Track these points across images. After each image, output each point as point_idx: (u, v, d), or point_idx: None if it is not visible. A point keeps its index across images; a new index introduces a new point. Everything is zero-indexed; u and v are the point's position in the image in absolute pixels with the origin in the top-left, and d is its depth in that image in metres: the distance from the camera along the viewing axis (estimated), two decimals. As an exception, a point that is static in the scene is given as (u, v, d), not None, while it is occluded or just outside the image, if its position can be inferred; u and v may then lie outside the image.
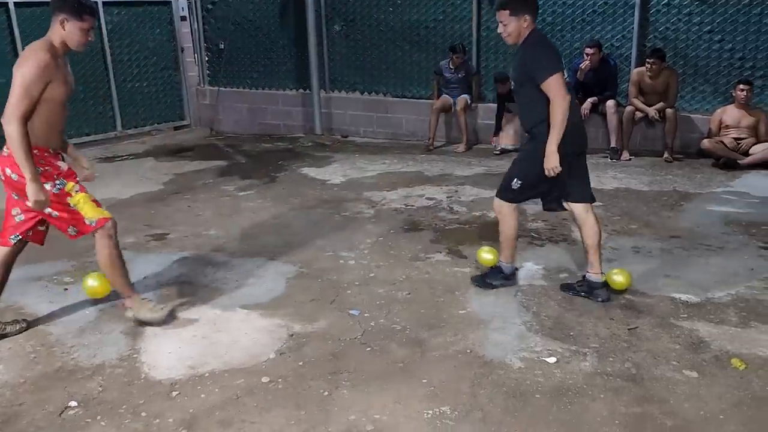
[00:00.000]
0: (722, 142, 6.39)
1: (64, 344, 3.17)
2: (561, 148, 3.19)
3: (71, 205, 3.04)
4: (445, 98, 7.56)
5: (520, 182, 3.41)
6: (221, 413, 2.61)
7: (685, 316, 3.35)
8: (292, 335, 3.23)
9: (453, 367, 2.90)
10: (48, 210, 3.01)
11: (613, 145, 6.84)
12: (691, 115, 6.87)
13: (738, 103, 6.33)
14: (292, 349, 3.10)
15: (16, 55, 7.19)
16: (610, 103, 6.82)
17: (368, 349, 3.09)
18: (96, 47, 8.00)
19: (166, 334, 3.27)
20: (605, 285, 3.52)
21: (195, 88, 9.14)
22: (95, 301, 3.63)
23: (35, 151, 2.89)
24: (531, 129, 3.34)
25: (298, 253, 4.32)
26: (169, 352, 3.08)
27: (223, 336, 3.24)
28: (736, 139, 6.36)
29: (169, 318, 3.36)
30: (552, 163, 3.21)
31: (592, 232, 3.45)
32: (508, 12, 3.19)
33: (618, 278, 3.56)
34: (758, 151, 6.26)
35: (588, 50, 6.69)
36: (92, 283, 3.47)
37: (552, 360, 2.94)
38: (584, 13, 7.15)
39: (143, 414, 2.62)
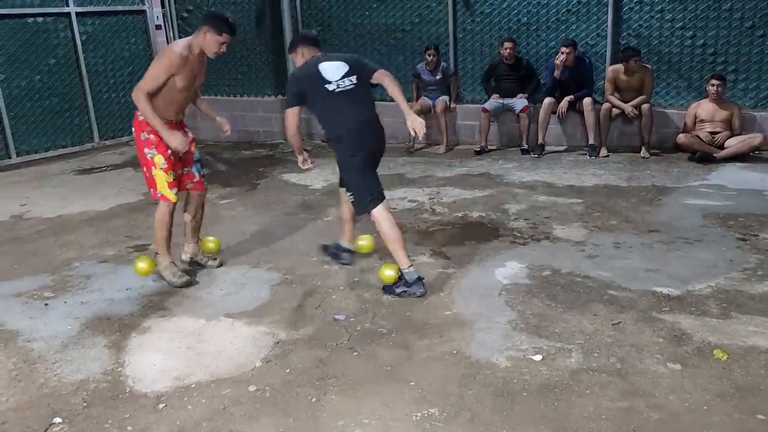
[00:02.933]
0: (698, 136, 6.49)
1: (46, 360, 3.13)
2: (351, 150, 3.67)
3: (152, 173, 3.80)
4: (424, 100, 7.58)
5: (351, 193, 3.74)
6: (209, 424, 2.59)
7: (667, 309, 3.39)
8: (278, 342, 3.22)
9: (440, 369, 2.91)
10: (144, 168, 3.84)
11: (591, 142, 6.91)
12: (666, 111, 6.97)
13: (711, 97, 6.43)
14: (279, 356, 3.09)
15: None
16: (587, 100, 6.89)
17: (355, 353, 3.09)
18: (70, 58, 7.91)
19: (151, 346, 3.24)
20: (349, 250, 4.15)
21: (172, 97, 9.06)
22: (76, 316, 3.59)
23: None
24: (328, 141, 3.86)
25: (281, 259, 4.30)
26: (153, 365, 3.05)
27: (208, 346, 3.21)
28: (711, 133, 6.47)
29: (183, 285, 3.88)
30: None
31: (353, 214, 4.04)
32: (289, 52, 3.93)
33: (362, 243, 4.20)
34: (733, 144, 6.36)
35: (564, 49, 6.77)
36: (141, 265, 4.03)
37: (538, 358, 2.96)
38: (558, 12, 7.22)
39: (129, 428, 2.59)
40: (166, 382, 2.90)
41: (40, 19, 7.62)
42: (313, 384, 2.83)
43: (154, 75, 3.61)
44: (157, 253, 3.99)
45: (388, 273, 3.76)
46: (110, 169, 7.34)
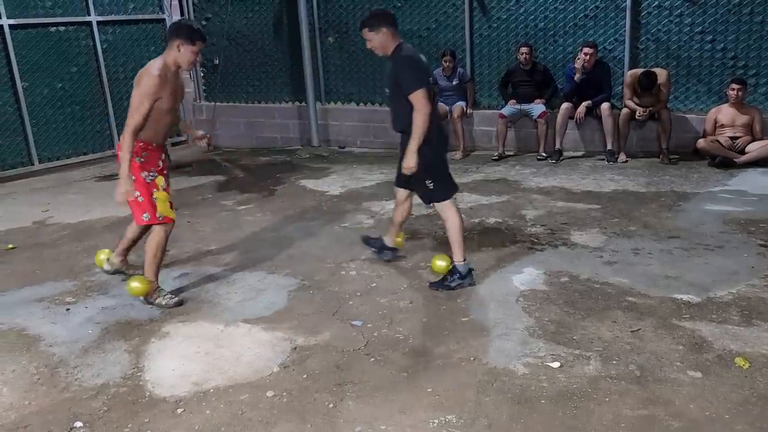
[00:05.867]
0: (718, 141, 6.42)
1: (67, 365, 3.17)
2: (433, 149, 3.67)
3: (153, 196, 3.65)
4: (441, 106, 7.57)
5: (431, 181, 3.75)
6: (227, 429, 2.61)
7: (687, 316, 3.35)
8: (295, 348, 3.23)
9: (457, 375, 2.91)
10: (136, 193, 3.60)
11: (609, 147, 6.87)
12: (686, 115, 6.90)
13: (732, 101, 6.36)
14: (296, 362, 3.10)
15: (11, 78, 7.25)
16: (605, 105, 6.85)
17: (372, 359, 3.09)
18: (92, 67, 8.04)
19: (170, 351, 3.27)
20: (393, 248, 4.26)
21: (191, 104, 9.16)
22: (97, 321, 3.63)
23: (141, 144, 3.59)
24: (404, 130, 3.72)
25: (299, 265, 4.32)
26: (172, 370, 3.08)
27: (226, 351, 3.24)
28: (731, 137, 6.39)
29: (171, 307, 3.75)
30: (411, 162, 3.65)
31: (404, 219, 4.14)
32: (367, 29, 3.71)
33: (399, 239, 4.24)
34: (754, 149, 6.28)
35: (586, 50, 6.73)
36: (135, 284, 3.77)
37: (556, 365, 2.94)
38: (576, 17, 7.19)
39: (149, 432, 2.62)
40: (184, 386, 2.93)
41: (62, 29, 7.74)
42: (330, 390, 2.84)
43: (137, 106, 3.46)
44: (150, 280, 3.77)
45: (440, 263, 3.90)
46: (130, 176, 7.42)
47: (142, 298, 3.78)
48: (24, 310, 3.81)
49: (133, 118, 3.46)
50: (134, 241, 4.08)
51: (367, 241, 4.39)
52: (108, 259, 4.16)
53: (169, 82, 3.55)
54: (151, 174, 3.66)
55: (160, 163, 3.74)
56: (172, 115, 3.68)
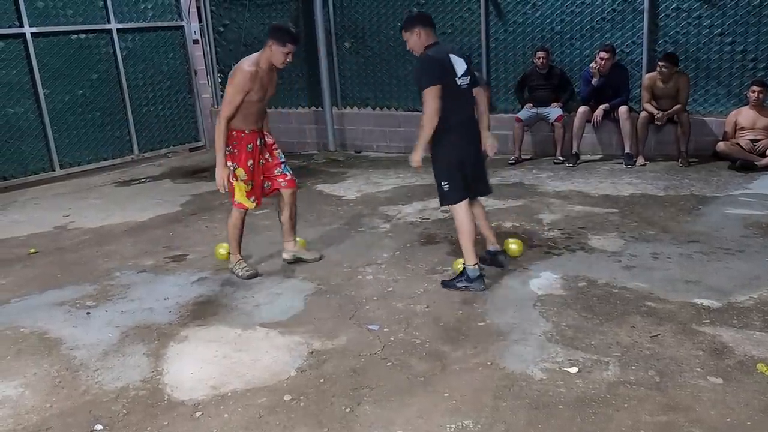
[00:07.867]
0: (738, 144, 6.35)
1: (88, 368, 3.21)
2: (454, 144, 3.74)
3: (233, 183, 4.10)
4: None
5: (446, 182, 3.78)
6: (245, 432, 2.63)
7: (708, 321, 3.32)
8: (312, 352, 3.24)
9: (474, 380, 2.90)
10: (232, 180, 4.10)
11: (627, 150, 6.81)
12: (705, 118, 6.83)
13: (752, 104, 6.29)
14: (313, 366, 3.11)
15: (33, 85, 7.38)
16: (623, 108, 6.80)
17: (389, 364, 3.09)
18: (111, 73, 8.15)
19: (188, 354, 3.30)
20: (501, 251, 4.18)
21: (209, 110, 9.25)
22: (117, 325, 3.68)
23: (234, 133, 3.99)
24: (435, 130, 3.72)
25: (315, 269, 4.34)
26: (191, 373, 3.11)
27: (244, 355, 3.26)
28: (752, 140, 6.31)
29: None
30: (415, 158, 3.76)
31: (484, 213, 4.14)
32: (403, 31, 3.82)
33: (513, 246, 4.31)
34: (775, 151, 6.20)
35: (602, 54, 6.68)
36: (221, 251, 4.56)
37: (574, 370, 2.92)
38: (593, 20, 7.15)
39: (168, 435, 2.64)
40: (203, 390, 2.95)
41: (83, 36, 7.87)
42: (347, 394, 2.85)
43: (230, 99, 3.87)
44: (230, 253, 4.37)
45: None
46: (149, 181, 7.52)
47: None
48: (46, 314, 3.87)
49: (225, 110, 3.88)
50: (289, 222, 4.41)
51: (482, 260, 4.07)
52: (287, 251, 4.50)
53: (259, 78, 3.91)
54: (233, 165, 4.04)
55: (250, 147, 4.06)
56: (261, 104, 4.03)
